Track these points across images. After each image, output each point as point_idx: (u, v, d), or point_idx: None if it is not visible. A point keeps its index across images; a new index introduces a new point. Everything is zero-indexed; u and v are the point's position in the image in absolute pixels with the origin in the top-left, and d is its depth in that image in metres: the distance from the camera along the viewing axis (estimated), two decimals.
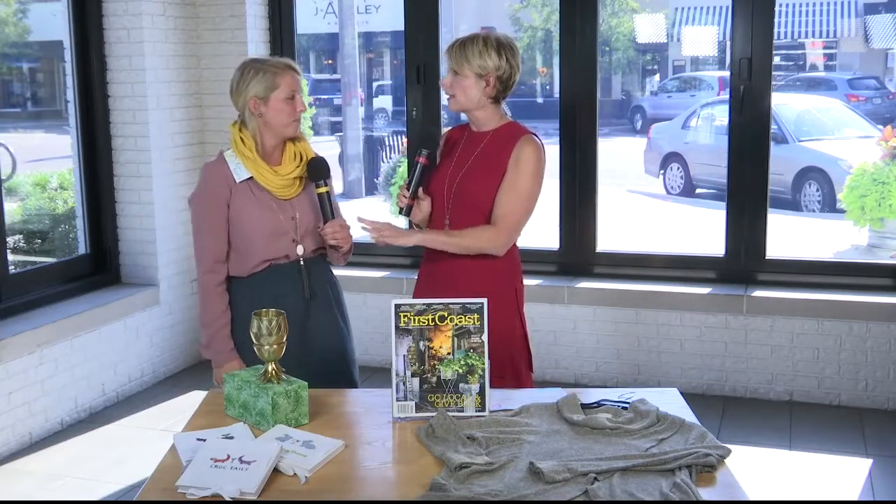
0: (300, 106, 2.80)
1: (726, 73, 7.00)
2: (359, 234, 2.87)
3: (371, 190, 12.38)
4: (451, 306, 2.29)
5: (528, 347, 2.93)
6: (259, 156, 2.79)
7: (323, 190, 2.81)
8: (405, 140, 5.77)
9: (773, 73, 4.76)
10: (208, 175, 2.84)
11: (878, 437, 4.23)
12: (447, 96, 2.87)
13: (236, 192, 2.78)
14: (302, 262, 2.84)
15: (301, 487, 1.96)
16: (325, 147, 13.19)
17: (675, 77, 20.21)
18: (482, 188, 2.79)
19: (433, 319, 2.28)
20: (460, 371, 2.28)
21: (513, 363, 2.84)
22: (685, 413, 2.29)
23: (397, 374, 2.29)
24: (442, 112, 5.31)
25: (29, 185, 6.57)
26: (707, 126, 11.77)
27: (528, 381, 2.90)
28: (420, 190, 2.85)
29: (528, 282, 4.79)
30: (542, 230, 4.73)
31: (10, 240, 5.54)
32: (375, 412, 2.36)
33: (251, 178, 2.78)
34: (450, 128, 3.05)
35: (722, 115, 9.84)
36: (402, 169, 7.54)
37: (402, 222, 3.15)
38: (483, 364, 2.28)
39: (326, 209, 2.81)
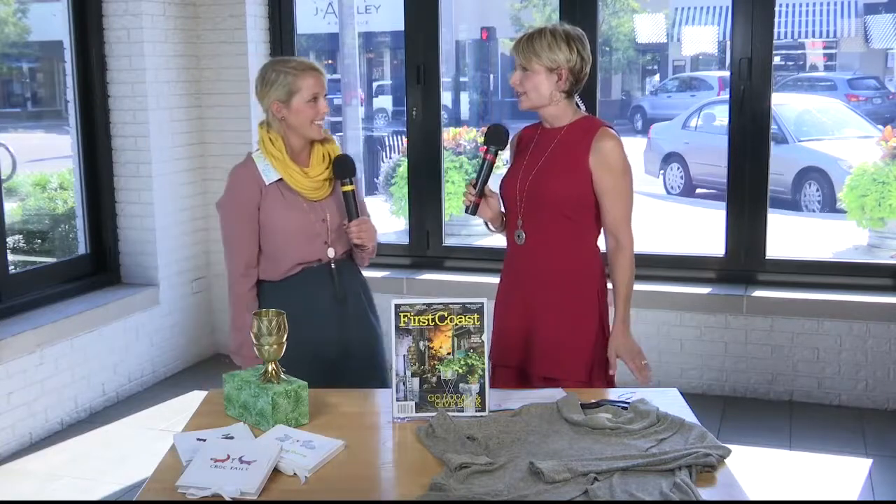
0: (324, 108, 2.75)
1: (726, 73, 7.00)
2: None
3: (371, 190, 12.37)
4: (450, 306, 2.29)
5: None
6: (288, 157, 2.76)
7: (349, 188, 2.77)
8: (405, 140, 5.77)
9: (774, 73, 4.77)
10: (237, 178, 2.79)
11: (878, 437, 4.23)
12: (517, 94, 2.76)
13: (266, 194, 2.74)
14: (333, 265, 2.82)
15: (301, 487, 1.96)
16: None
17: (675, 77, 20.23)
18: (558, 187, 2.70)
19: (433, 319, 2.28)
20: (460, 371, 2.28)
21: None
22: (685, 413, 2.29)
23: (397, 374, 2.28)
24: (442, 112, 5.31)
25: (29, 185, 6.56)
26: (707, 126, 11.78)
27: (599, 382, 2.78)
28: (487, 187, 2.77)
29: None
30: None
31: (10, 240, 5.53)
32: (375, 412, 2.36)
33: (281, 179, 2.74)
34: (522, 128, 2.94)
35: (722, 115, 9.85)
36: (402, 168, 7.52)
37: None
38: (483, 364, 2.28)
39: (351, 207, 2.78)
